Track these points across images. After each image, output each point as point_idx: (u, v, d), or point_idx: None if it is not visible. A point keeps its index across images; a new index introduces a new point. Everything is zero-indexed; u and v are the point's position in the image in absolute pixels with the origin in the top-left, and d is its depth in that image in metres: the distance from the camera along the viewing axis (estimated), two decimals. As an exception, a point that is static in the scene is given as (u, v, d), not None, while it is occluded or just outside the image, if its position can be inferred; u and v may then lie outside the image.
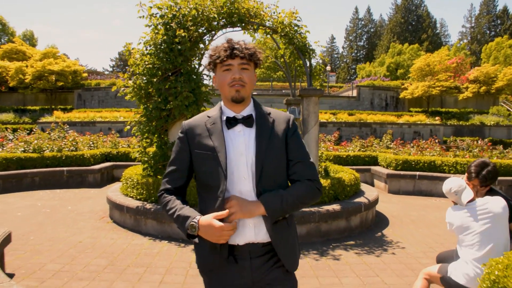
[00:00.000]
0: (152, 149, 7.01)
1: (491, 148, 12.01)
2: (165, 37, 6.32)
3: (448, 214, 3.29)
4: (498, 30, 72.80)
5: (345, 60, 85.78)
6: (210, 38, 7.13)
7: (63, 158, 10.74)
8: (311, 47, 6.75)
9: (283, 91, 32.50)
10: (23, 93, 31.78)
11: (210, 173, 1.83)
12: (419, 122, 24.18)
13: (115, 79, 34.19)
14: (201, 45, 7.08)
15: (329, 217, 5.83)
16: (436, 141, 12.77)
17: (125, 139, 14.21)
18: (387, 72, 54.30)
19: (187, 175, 1.95)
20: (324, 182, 6.20)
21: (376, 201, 6.89)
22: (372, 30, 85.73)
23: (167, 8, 6.55)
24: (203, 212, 1.84)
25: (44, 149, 10.89)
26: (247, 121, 1.87)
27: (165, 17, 6.53)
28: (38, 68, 29.24)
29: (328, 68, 54.34)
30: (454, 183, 3.22)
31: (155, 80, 6.39)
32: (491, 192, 3.38)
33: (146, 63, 6.43)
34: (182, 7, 6.54)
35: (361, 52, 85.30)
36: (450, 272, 3.17)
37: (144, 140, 6.85)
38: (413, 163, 10.50)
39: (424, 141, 13.19)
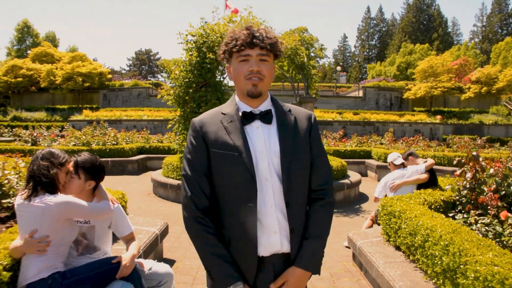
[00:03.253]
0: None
1: (469, 144, 13.94)
2: (198, 58, 8.48)
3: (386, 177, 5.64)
4: (510, 29, 72.70)
5: (357, 59, 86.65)
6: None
7: (107, 150, 13.03)
8: (308, 65, 8.86)
9: (299, 91, 34.69)
10: (53, 93, 34.36)
11: (233, 175, 1.66)
12: (419, 121, 26.02)
13: (138, 80, 36.77)
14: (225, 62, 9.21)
15: (319, 192, 7.94)
16: (421, 137, 14.77)
17: (155, 136, 16.50)
18: (397, 72, 55.52)
19: (211, 179, 1.72)
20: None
21: (358, 183, 8.97)
22: (384, 29, 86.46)
23: (199, 36, 8.71)
24: (226, 221, 1.70)
25: (91, 143, 13.20)
26: (265, 117, 1.72)
27: (197, 42, 8.68)
28: (68, 70, 31.85)
29: (339, 68, 56.10)
30: (393, 155, 5.56)
31: (190, 90, 8.56)
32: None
33: (183, 77, 8.61)
34: (210, 35, 8.68)
35: (373, 51, 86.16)
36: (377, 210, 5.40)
37: (181, 135, 9.00)
38: (399, 156, 12.51)
39: (423, 138, 15.23)
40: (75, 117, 28.40)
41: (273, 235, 1.66)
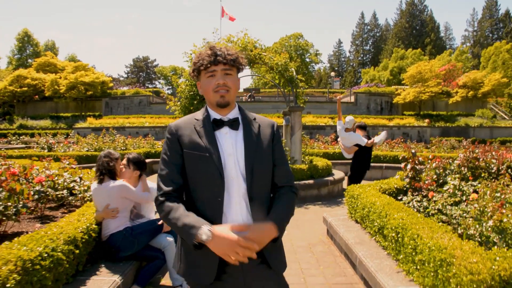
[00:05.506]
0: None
1: (445, 145, 15.36)
2: (201, 74, 9.83)
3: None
4: (500, 33, 73.53)
5: (351, 64, 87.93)
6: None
7: (117, 155, 14.33)
8: (296, 79, 10.26)
9: (291, 97, 36.15)
10: (56, 101, 35.59)
11: (204, 173, 1.87)
12: (408, 124, 27.47)
13: (138, 88, 38.19)
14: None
15: (306, 188, 9.29)
16: (402, 140, 16.17)
17: (159, 141, 17.85)
18: (391, 76, 57.03)
19: (183, 175, 1.92)
20: (304, 166, 9.66)
21: (341, 180, 10.31)
22: (377, 34, 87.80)
23: (202, 54, 10.06)
24: (198, 214, 1.83)
25: (102, 148, 14.51)
26: (233, 124, 1.94)
27: (200, 60, 10.03)
28: (72, 79, 33.18)
29: (333, 74, 57.55)
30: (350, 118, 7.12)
31: (195, 102, 9.93)
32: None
33: (188, 91, 9.97)
34: (211, 53, 10.04)
35: (367, 56, 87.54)
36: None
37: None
38: (382, 157, 13.90)
39: (411, 141, 16.63)
40: (80, 124, 29.64)
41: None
